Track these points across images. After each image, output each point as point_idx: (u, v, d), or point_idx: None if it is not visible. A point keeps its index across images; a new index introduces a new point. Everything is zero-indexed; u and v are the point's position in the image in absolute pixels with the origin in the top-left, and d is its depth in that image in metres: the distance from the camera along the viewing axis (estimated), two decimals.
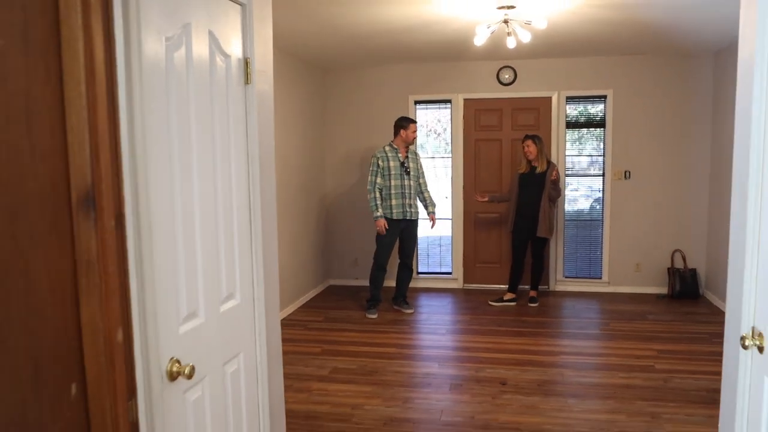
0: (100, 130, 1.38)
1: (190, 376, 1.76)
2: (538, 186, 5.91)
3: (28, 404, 1.27)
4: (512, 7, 3.97)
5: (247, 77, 2.20)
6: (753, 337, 1.92)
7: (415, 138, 5.82)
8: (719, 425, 2.22)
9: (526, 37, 4.14)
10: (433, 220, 5.96)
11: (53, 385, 1.34)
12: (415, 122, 5.82)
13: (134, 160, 1.54)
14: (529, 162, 5.99)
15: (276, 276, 2.52)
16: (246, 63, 2.19)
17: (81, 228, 1.39)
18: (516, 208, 6.06)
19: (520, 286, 6.32)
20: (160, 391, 1.69)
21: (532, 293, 6.23)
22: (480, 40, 4.28)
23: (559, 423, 3.50)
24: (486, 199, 6.22)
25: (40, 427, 1.30)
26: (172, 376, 1.75)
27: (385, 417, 3.61)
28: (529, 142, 5.95)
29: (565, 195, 6.71)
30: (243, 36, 2.18)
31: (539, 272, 6.21)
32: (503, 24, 4.15)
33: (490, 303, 6.20)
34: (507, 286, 6.29)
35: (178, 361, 1.78)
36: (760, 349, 1.89)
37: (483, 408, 3.72)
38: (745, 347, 1.93)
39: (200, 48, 1.90)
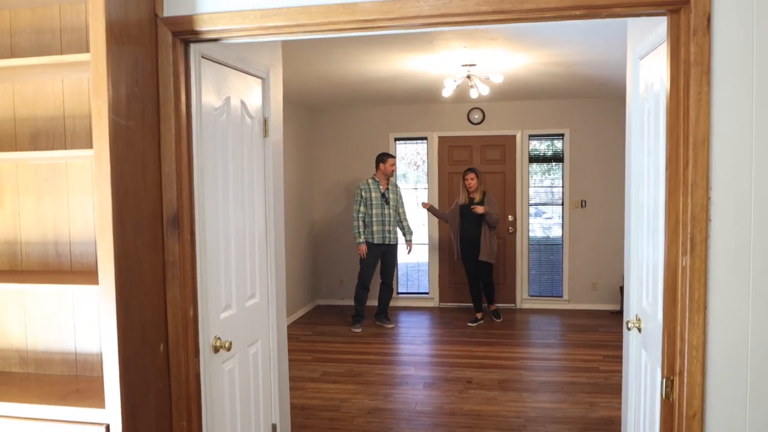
0: (183, 175, 2.11)
1: (228, 349, 2.45)
2: (477, 216, 6.43)
3: (139, 353, 1.97)
4: (473, 64, 4.78)
5: (265, 132, 2.94)
6: (635, 321, 2.66)
7: (393, 170, 6.59)
8: (622, 385, 2.95)
9: (485, 90, 4.96)
10: (409, 246, 6.70)
11: (151, 342, 2.04)
12: (393, 157, 6.60)
13: (198, 193, 2.27)
14: (468, 194, 6.55)
15: (283, 285, 3.23)
16: (265, 121, 2.93)
17: (169, 239, 2.10)
18: (459, 237, 6.62)
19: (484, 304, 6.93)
20: (209, 358, 2.39)
21: (492, 307, 6.84)
22: (447, 92, 5.09)
23: (513, 410, 4.21)
24: (428, 206, 6.85)
25: (145, 368, 2.00)
26: (216, 349, 2.45)
27: (369, 407, 4.29)
28: (473, 175, 6.50)
29: (528, 223, 7.50)
30: (263, 101, 2.92)
31: (491, 289, 6.75)
32: (467, 78, 4.96)
33: (469, 324, 6.68)
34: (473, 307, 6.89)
35: (219, 338, 2.47)
36: (639, 330, 2.63)
37: (451, 400, 4.42)
38: (629, 329, 2.68)
39: (235, 113, 2.64)
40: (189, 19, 2.04)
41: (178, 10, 2.06)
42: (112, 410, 1.87)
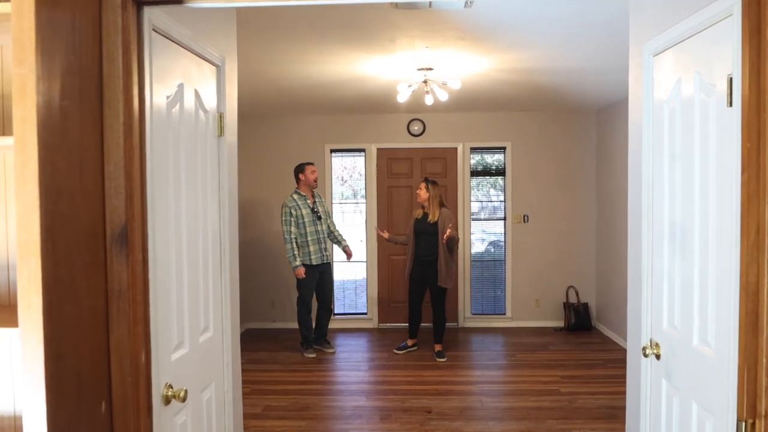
0: (134, 176, 1.60)
1: (183, 399, 1.94)
2: (432, 235, 5.70)
3: (73, 415, 1.44)
4: (431, 69, 4.46)
5: (220, 130, 2.45)
6: (651, 347, 2.36)
7: (316, 179, 5.98)
8: (626, 426, 2.64)
9: (443, 96, 4.64)
10: (348, 252, 6.18)
11: (89, 400, 1.51)
12: (312, 164, 6.03)
13: (150, 202, 1.76)
14: (423, 208, 5.85)
15: (237, 313, 2.72)
16: (220, 117, 2.44)
17: (114, 261, 1.58)
18: (413, 255, 5.85)
19: (423, 325, 6.20)
20: (159, 412, 1.86)
21: (438, 347, 5.90)
22: (403, 97, 4.73)
23: None
24: (386, 236, 5.97)
25: None
26: (167, 400, 1.92)
27: None
28: (422, 185, 5.76)
29: (470, 238, 7.25)
30: (218, 94, 2.44)
31: (442, 324, 5.88)
32: (423, 83, 4.62)
33: (395, 352, 6.06)
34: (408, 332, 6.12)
35: (171, 386, 1.95)
36: (657, 357, 2.33)
37: None
38: (645, 355, 2.38)
39: (189, 105, 2.14)
40: None
41: None
42: None
